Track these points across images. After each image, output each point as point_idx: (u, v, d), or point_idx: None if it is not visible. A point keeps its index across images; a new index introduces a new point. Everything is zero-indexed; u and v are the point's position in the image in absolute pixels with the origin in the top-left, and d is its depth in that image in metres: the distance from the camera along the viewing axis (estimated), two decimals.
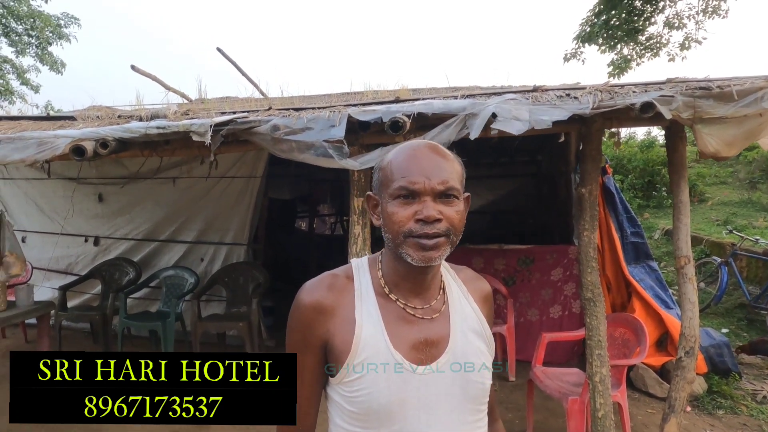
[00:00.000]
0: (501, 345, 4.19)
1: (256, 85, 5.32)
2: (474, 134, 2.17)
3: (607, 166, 4.38)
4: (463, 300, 0.98)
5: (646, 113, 2.13)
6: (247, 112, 2.58)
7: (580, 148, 2.63)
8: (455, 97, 2.55)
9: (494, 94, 2.47)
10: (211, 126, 2.34)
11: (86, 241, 5.19)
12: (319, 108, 2.57)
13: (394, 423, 0.86)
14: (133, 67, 4.26)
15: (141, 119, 2.64)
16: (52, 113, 5.41)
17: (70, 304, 4.79)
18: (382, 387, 0.85)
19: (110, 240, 5.15)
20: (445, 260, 0.93)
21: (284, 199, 7.33)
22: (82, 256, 5.21)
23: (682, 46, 9.67)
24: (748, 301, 4.93)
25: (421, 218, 0.83)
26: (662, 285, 4.14)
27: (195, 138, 2.36)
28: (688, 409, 3.48)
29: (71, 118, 3.24)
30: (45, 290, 5.17)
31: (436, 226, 0.84)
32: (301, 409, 0.92)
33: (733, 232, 5.71)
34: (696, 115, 2.15)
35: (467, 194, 0.93)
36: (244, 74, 5.19)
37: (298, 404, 0.91)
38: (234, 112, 2.61)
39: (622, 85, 2.40)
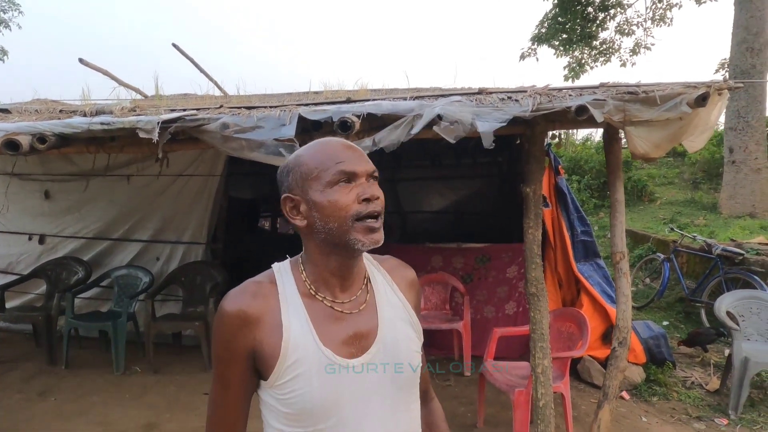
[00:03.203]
0: (458, 341, 4.31)
1: (215, 83, 5.24)
2: (414, 131, 2.23)
3: (560, 167, 4.56)
4: (388, 289, 1.00)
5: (581, 116, 2.25)
6: (197, 109, 2.56)
7: (526, 148, 2.74)
8: (405, 98, 2.61)
9: (441, 95, 2.54)
10: (158, 123, 2.32)
11: (30, 239, 4.99)
12: (270, 107, 2.58)
13: (329, 418, 0.87)
14: (81, 60, 4.12)
15: (85, 114, 2.57)
16: None
17: (9, 304, 4.60)
18: (315, 386, 0.86)
19: (58, 238, 4.97)
20: (368, 252, 0.96)
21: (246, 198, 7.25)
22: (25, 255, 5.01)
23: (633, 52, 10.12)
24: (686, 294, 5.23)
25: (367, 197, 0.87)
26: (608, 281, 4.35)
27: (142, 135, 2.33)
28: (627, 397, 3.68)
29: (5, 111, 3.11)
30: None
31: (378, 203, 0.89)
32: (230, 417, 0.92)
33: (675, 229, 6.04)
34: (626, 118, 2.28)
35: None
36: (202, 71, 5.10)
37: (226, 413, 0.91)
38: (184, 110, 2.59)
39: (560, 89, 2.52)
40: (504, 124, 2.20)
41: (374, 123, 2.44)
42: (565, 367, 3.07)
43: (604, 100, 2.24)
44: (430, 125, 2.26)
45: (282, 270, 0.96)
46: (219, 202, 4.85)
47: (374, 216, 0.88)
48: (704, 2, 9.69)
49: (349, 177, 0.88)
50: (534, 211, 2.68)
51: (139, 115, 2.46)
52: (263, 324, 0.87)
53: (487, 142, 2.15)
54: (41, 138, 2.35)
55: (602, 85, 2.50)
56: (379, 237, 0.90)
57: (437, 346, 4.48)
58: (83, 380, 3.97)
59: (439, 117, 2.25)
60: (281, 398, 0.88)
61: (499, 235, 4.99)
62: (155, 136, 2.31)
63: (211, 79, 5.08)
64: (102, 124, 2.34)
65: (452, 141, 2.23)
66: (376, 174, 0.92)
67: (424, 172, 6.82)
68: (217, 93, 5.11)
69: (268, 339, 0.87)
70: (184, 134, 2.52)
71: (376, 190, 0.90)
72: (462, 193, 6.90)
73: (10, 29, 12.35)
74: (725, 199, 7.52)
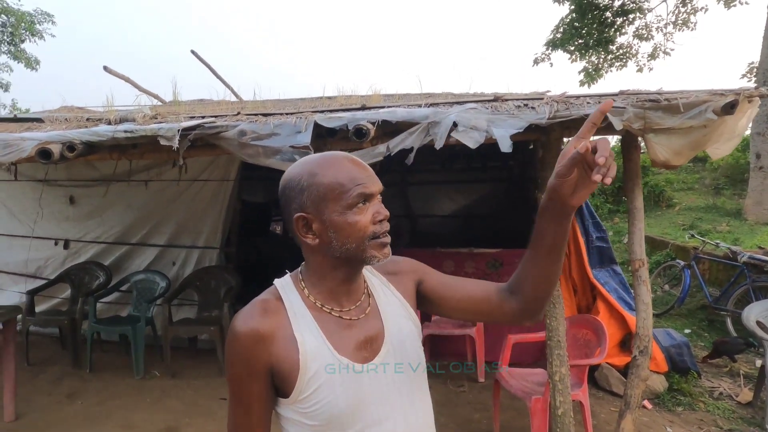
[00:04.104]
0: (471, 347, 4.29)
1: (230, 88, 5.34)
2: (438, 144, 2.24)
3: None
4: (385, 290, 1.04)
5: (600, 123, 2.22)
6: (215, 117, 2.61)
7: (541, 155, 2.72)
8: (420, 105, 2.62)
9: (456, 102, 2.55)
10: (178, 131, 2.37)
11: (56, 244, 5.11)
12: (286, 114, 2.61)
13: (356, 423, 0.90)
14: (105, 68, 4.24)
15: (110, 122, 2.64)
16: (19, 114, 5.32)
17: (38, 308, 4.71)
18: (338, 393, 0.88)
19: (80, 243, 5.08)
20: None
21: (258, 203, 7.33)
22: (52, 260, 5.12)
23: (651, 56, 9.95)
24: (709, 302, 5.12)
25: (382, 218, 0.91)
26: (626, 288, 4.28)
27: (163, 142, 2.38)
28: (649, 406, 3.60)
29: (39, 120, 3.21)
30: (13, 295, 5.08)
31: (387, 222, 0.93)
32: None
33: (695, 236, 5.92)
34: (646, 126, 2.25)
35: None
36: (218, 77, 5.20)
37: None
38: (203, 117, 2.64)
39: (578, 96, 2.50)
40: (520, 131, 2.19)
41: (388, 129, 2.45)
42: (583, 374, 3.03)
43: (624, 107, 2.22)
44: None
45: (285, 285, 0.98)
46: (233, 207, 4.90)
47: (386, 234, 0.93)
48: (734, 5, 9.28)
49: (367, 198, 0.91)
50: None
51: (160, 122, 2.52)
52: (277, 340, 0.89)
53: (505, 147, 2.15)
54: (71, 146, 2.42)
55: (622, 92, 2.47)
56: (390, 250, 0.94)
57: (450, 352, 4.45)
58: (106, 384, 4.06)
59: (455, 124, 2.25)
60: (307, 411, 0.89)
61: (509, 239, 4.95)
62: (176, 144, 2.36)
63: (226, 84, 5.16)
64: (126, 132, 2.41)
65: (472, 147, 2.23)
66: (381, 192, 0.95)
67: (434, 176, 6.82)
68: (232, 99, 5.20)
69: (285, 354, 0.88)
70: (202, 141, 2.56)
71: (386, 210, 0.94)
72: (472, 197, 6.88)
73: (45, 40, 12.79)
74: (751, 206, 7.35)
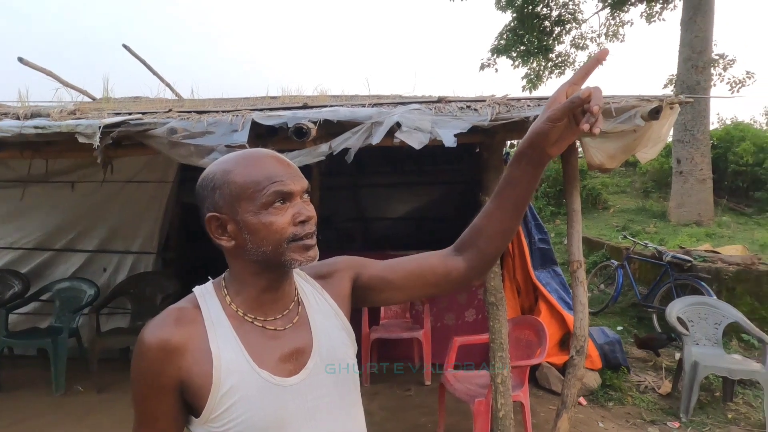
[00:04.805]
0: (418, 350, 4.28)
1: (168, 85, 5.05)
2: (375, 140, 2.19)
3: None
4: (318, 298, 0.97)
5: None
6: (143, 113, 2.42)
7: (484, 157, 2.74)
8: (364, 105, 2.56)
9: (400, 103, 2.51)
10: (99, 127, 2.17)
11: None
12: (222, 112, 2.47)
13: None
14: (20, 60, 3.87)
15: (19, 117, 2.38)
16: None
17: None
18: (256, 410, 0.81)
19: None
20: None
21: None
22: None
23: None
24: (638, 300, 5.41)
25: (302, 219, 0.83)
26: (565, 288, 4.42)
27: (81, 140, 2.18)
28: (584, 402, 3.74)
29: None
30: None
31: (312, 223, 0.85)
32: None
33: (628, 237, 6.25)
34: None
35: None
36: (154, 73, 4.90)
37: None
38: (130, 113, 2.44)
39: (519, 99, 2.54)
40: (464, 131, 2.18)
41: (331, 130, 2.38)
42: (525, 375, 3.08)
43: None
44: (389, 133, 2.21)
45: (205, 293, 0.90)
46: (171, 210, 4.67)
47: (309, 236, 0.85)
48: (654, 21, 10.23)
49: (285, 197, 0.83)
50: None
51: (79, 118, 2.30)
52: (190, 353, 0.81)
53: (449, 142, 2.13)
54: None
55: None
56: (315, 253, 0.86)
57: (399, 355, 4.43)
58: (20, 403, 3.68)
59: (398, 125, 2.21)
60: (222, 430, 0.82)
61: None
62: (96, 141, 2.16)
63: (163, 80, 4.88)
64: (36, 128, 2.18)
65: (417, 147, 2.20)
66: (308, 191, 0.88)
67: (387, 179, 6.81)
68: (171, 97, 4.92)
69: (197, 368, 0.81)
70: (129, 139, 2.38)
71: (311, 210, 0.86)
72: (424, 200, 6.92)
73: None
74: (673, 208, 7.88)
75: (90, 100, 4.58)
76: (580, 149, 2.76)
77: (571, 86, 0.81)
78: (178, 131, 2.26)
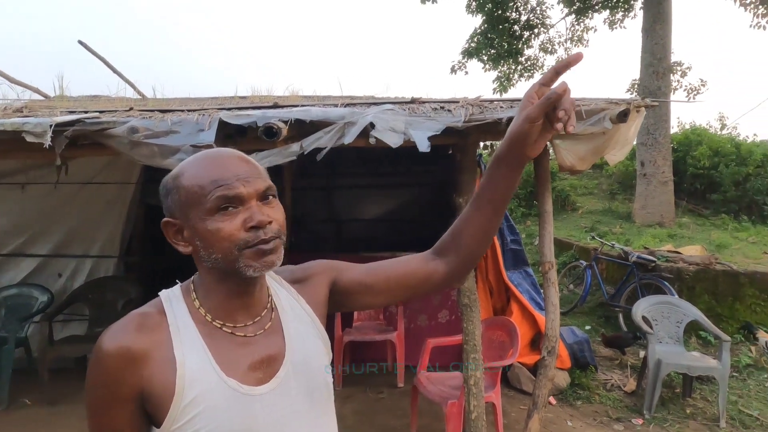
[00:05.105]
0: (392, 352, 4.26)
1: (130, 83, 4.82)
2: (348, 140, 2.14)
3: None
4: (294, 304, 0.93)
5: None
6: (101, 111, 2.30)
7: (458, 159, 2.74)
8: (336, 105, 2.51)
9: (374, 103, 2.47)
10: (51, 126, 2.04)
11: None
12: (187, 111, 2.37)
13: None
14: None
15: None
16: None
17: None
18: (221, 420, 0.77)
19: None
20: None
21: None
22: None
23: None
24: (605, 300, 5.54)
25: (254, 225, 0.78)
26: (536, 288, 4.48)
27: (30, 139, 2.04)
28: (554, 402, 3.79)
29: None
30: None
31: (270, 229, 0.79)
32: None
33: (596, 237, 6.40)
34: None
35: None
36: (115, 71, 4.68)
37: None
38: (86, 111, 2.31)
39: (492, 101, 2.54)
40: (437, 132, 2.16)
41: (303, 130, 2.31)
42: (497, 376, 3.09)
43: None
44: (363, 133, 2.17)
45: (172, 297, 0.85)
46: (135, 212, 4.50)
47: (265, 242, 0.79)
48: (616, 27, 10.57)
49: (233, 202, 0.78)
50: None
51: (27, 116, 2.16)
52: (152, 360, 0.77)
53: (423, 146, 2.11)
54: None
55: None
56: (274, 258, 0.81)
57: (372, 358, 4.39)
58: None
59: (372, 125, 2.17)
60: None
61: (433, 243, 4.98)
62: (47, 141, 2.03)
63: (123, 78, 4.67)
64: None
65: (393, 146, 2.16)
66: (271, 192, 0.83)
67: (360, 180, 6.76)
68: (133, 96, 4.71)
69: (159, 377, 0.77)
70: (86, 139, 2.24)
71: (265, 215, 0.80)
72: (398, 201, 6.90)
73: None
74: (638, 209, 8.13)
75: (42, 98, 4.34)
76: (551, 151, 2.79)
77: (540, 87, 0.80)
78: (140, 130, 2.14)
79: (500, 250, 4.42)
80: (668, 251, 5.61)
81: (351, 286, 0.98)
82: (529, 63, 10.98)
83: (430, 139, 2.15)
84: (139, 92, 4.81)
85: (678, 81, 11.04)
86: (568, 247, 7.17)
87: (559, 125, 0.76)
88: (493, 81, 11.06)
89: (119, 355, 0.75)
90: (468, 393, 2.65)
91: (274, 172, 0.87)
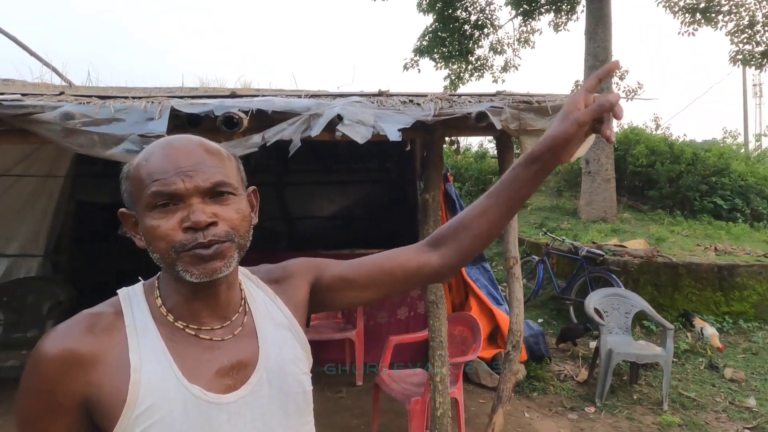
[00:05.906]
0: (350, 350, 4.18)
1: (53, 68, 4.28)
2: (315, 132, 2.02)
3: (448, 174, 4.66)
4: (270, 306, 0.86)
5: (481, 122, 2.23)
6: (23, 94, 2.04)
7: (424, 155, 2.68)
8: (299, 97, 2.38)
9: (339, 96, 2.36)
10: None
11: None
12: (133, 98, 2.16)
13: None
14: None
15: None
16: None
17: None
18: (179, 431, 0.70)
19: None
20: (241, 267, 0.83)
21: (103, 203, 6.31)
22: None
23: (504, 69, 11.04)
24: (557, 293, 5.73)
25: (189, 225, 0.69)
26: (494, 284, 4.55)
27: None
28: (512, 394, 3.85)
29: None
30: None
31: (211, 231, 0.70)
32: None
33: (547, 233, 6.60)
34: (521, 127, 2.33)
35: (253, 187, 0.85)
36: (32, 53, 4.19)
37: None
38: (2, 93, 2.04)
39: (460, 95, 2.50)
40: (407, 126, 2.09)
41: (264, 122, 2.16)
42: (459, 372, 3.08)
43: (502, 107, 2.26)
44: (329, 126, 2.06)
45: (131, 296, 0.78)
46: (63, 208, 4.13)
47: (204, 246, 0.70)
48: (561, 30, 10.99)
49: (171, 198, 0.70)
50: (433, 217, 2.63)
51: None
52: (101, 365, 0.70)
53: (394, 136, 2.03)
54: None
55: (499, 93, 2.54)
56: (216, 266, 0.72)
57: (331, 357, 4.27)
58: None
59: (339, 117, 2.06)
60: None
61: (389, 240, 4.93)
62: None
63: (46, 63, 4.18)
64: None
65: (360, 142, 2.06)
66: (223, 188, 0.73)
67: (314, 177, 6.60)
68: (59, 83, 4.23)
69: (110, 383, 0.69)
70: (3, 124, 1.98)
71: (207, 214, 0.71)
72: (352, 199, 6.81)
73: None
74: (583, 206, 8.49)
75: None
76: (515, 147, 2.80)
77: (586, 93, 0.83)
78: (76, 117, 1.92)
79: None
80: (614, 245, 5.87)
81: (333, 283, 0.92)
82: (479, 63, 11.18)
83: (400, 131, 2.08)
84: (64, 78, 4.35)
85: (617, 83, 11.64)
86: (520, 242, 7.34)
87: (609, 132, 0.80)
88: (444, 79, 11.19)
89: (61, 358, 0.68)
90: (434, 390, 2.61)
91: None
